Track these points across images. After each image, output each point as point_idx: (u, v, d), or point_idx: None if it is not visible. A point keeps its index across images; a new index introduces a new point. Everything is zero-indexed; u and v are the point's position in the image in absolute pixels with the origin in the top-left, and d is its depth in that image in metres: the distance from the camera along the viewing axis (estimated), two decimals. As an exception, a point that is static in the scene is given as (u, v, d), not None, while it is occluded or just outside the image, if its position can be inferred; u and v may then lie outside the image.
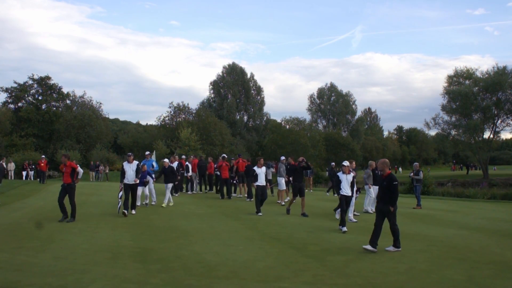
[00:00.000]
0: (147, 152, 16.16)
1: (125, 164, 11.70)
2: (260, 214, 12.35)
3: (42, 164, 24.36)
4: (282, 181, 15.47)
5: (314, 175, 45.18)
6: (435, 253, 7.90)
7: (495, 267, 6.95)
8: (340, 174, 10.41)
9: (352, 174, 10.56)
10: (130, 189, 11.54)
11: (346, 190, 10.27)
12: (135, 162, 11.72)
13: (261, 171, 12.80)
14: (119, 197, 11.63)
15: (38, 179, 24.72)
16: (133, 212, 11.86)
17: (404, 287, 5.85)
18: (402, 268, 6.36)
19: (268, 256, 7.42)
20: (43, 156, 26.96)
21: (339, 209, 10.68)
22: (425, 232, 10.13)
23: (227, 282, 5.86)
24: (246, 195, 17.03)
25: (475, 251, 8.13)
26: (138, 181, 11.83)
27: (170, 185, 14.05)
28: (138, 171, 11.72)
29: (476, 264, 7.10)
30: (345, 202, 10.22)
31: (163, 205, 13.70)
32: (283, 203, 15.35)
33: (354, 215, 12.00)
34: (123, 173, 11.60)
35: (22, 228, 9.38)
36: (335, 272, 6.47)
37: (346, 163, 10.56)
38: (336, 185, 10.50)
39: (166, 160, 14.88)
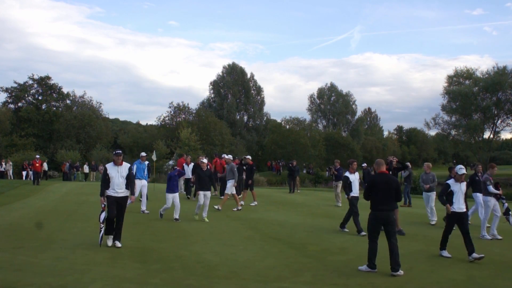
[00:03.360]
0: (143, 154, 13.84)
1: (110, 167, 7.83)
2: (363, 233, 9.33)
3: (37, 165, 22.98)
4: (230, 183, 13.46)
5: (314, 175, 45.46)
6: (435, 253, 7.90)
7: (495, 267, 6.96)
8: (451, 182, 7.84)
9: (465, 183, 8.04)
10: (116, 205, 7.75)
11: (459, 204, 7.70)
12: (126, 165, 7.96)
13: (355, 178, 10.12)
14: (101, 220, 7.70)
15: (32, 180, 23.21)
16: (118, 244, 7.77)
17: (404, 287, 5.85)
18: (402, 268, 6.36)
19: (268, 256, 7.42)
20: (38, 156, 25.32)
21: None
22: (425, 232, 10.14)
23: (227, 282, 5.86)
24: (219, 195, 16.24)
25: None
26: (133, 196, 8.10)
27: (208, 194, 11.22)
28: (130, 178, 7.95)
29: (476, 264, 7.11)
30: (457, 221, 7.65)
31: (197, 218, 11.19)
32: (234, 209, 13.15)
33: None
34: (106, 180, 7.78)
35: (22, 228, 9.38)
36: (335, 272, 6.47)
37: (462, 168, 7.81)
38: (440, 196, 7.83)
39: (204, 160, 11.74)
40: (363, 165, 21.19)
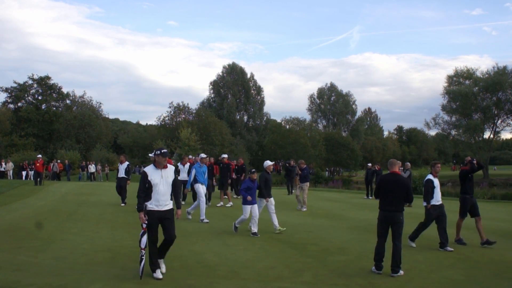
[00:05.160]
0: (203, 155, 12.25)
1: (152, 171, 5.99)
2: (413, 244, 8.46)
3: (38, 165, 22.35)
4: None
5: (314, 175, 45.44)
6: (435, 253, 7.91)
7: (495, 267, 6.96)
8: None
9: None
10: (162, 222, 5.98)
11: None
12: (171, 168, 6.19)
13: (438, 184, 8.57)
14: (142, 246, 5.87)
15: (34, 181, 22.64)
16: (163, 269, 6.08)
17: (404, 287, 5.85)
18: (402, 268, 6.36)
19: (268, 256, 7.42)
20: (39, 156, 24.45)
21: None
22: (425, 232, 10.09)
23: (227, 282, 5.86)
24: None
25: (475, 251, 8.14)
26: (179, 210, 6.28)
27: (273, 200, 9.82)
28: (176, 185, 6.14)
29: (476, 264, 7.12)
30: None
31: (280, 228, 9.75)
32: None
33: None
34: (145, 189, 5.93)
35: (22, 228, 9.37)
36: (335, 272, 6.47)
37: None
38: None
39: (269, 162, 10.06)
40: (368, 164, 21.22)
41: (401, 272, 6.31)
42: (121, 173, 13.91)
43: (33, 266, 6.34)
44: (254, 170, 9.75)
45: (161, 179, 5.93)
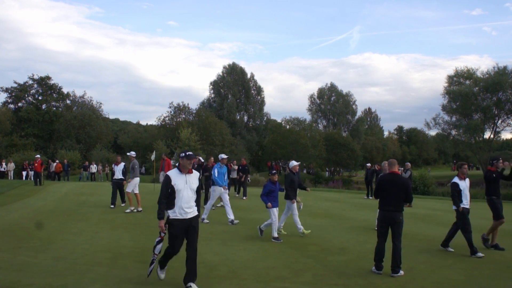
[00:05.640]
0: (223, 155, 12.04)
1: (176, 175, 5.55)
2: (480, 254, 7.66)
3: (36, 165, 22.28)
4: (132, 181, 12.82)
5: (314, 175, 45.45)
6: (435, 253, 7.90)
7: (495, 267, 6.96)
8: None
9: None
10: (186, 233, 5.55)
11: None
12: (196, 173, 5.76)
13: (465, 186, 8.06)
14: (156, 251, 5.72)
15: (34, 181, 22.60)
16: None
17: (405, 287, 5.85)
18: (403, 268, 6.36)
19: (268, 256, 7.42)
20: (38, 156, 24.21)
21: None
22: (425, 232, 10.14)
23: (227, 282, 5.86)
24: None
25: (475, 251, 8.13)
26: (198, 213, 5.75)
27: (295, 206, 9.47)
28: (199, 192, 5.88)
29: (476, 264, 7.11)
30: None
31: (304, 231, 9.40)
32: (129, 210, 12.52)
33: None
34: (167, 195, 5.50)
35: (22, 228, 9.38)
36: (335, 272, 6.47)
37: None
38: None
39: (295, 162, 9.68)
40: (367, 164, 21.24)
41: (401, 272, 6.32)
42: (118, 175, 13.52)
43: (33, 266, 6.34)
44: (275, 171, 9.40)
45: (186, 185, 5.50)
